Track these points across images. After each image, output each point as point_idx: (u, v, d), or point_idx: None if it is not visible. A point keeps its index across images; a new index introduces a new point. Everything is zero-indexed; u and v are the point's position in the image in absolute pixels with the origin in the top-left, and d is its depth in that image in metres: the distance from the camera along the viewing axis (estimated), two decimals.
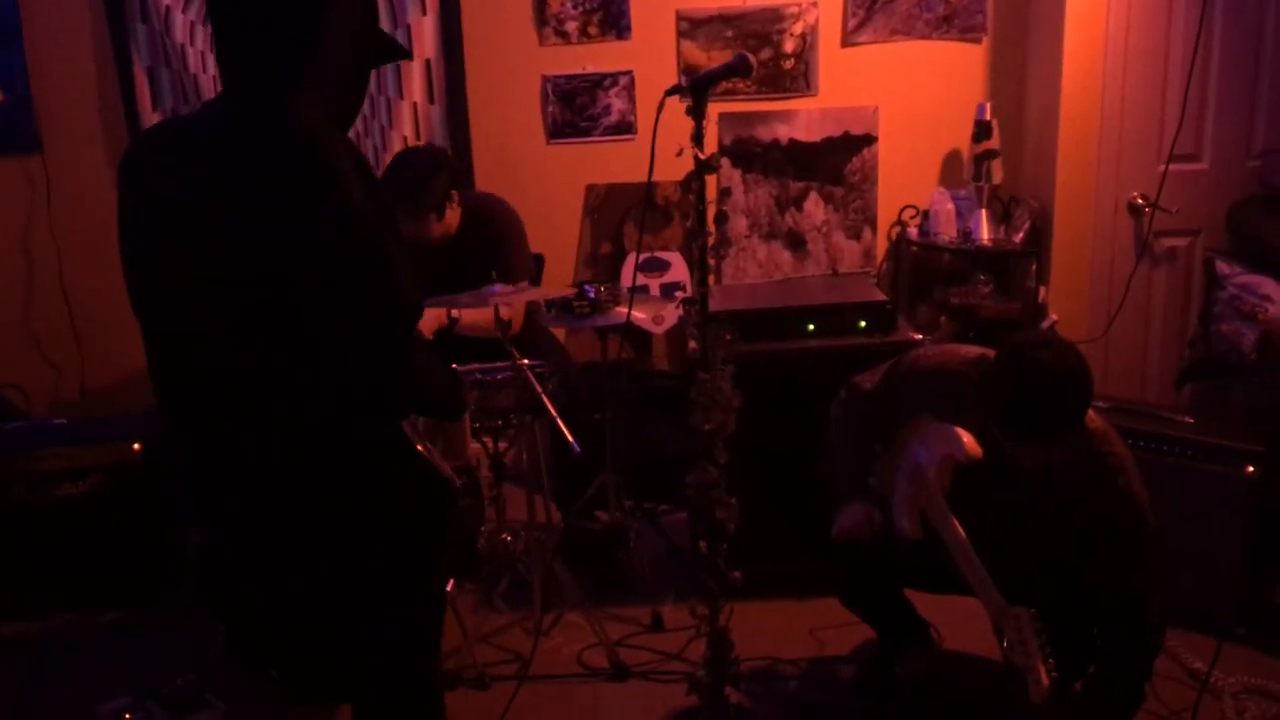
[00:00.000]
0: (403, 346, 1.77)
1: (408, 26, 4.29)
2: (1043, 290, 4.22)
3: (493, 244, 3.60)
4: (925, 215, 4.40)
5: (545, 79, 4.41)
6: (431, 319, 3.42)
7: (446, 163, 3.60)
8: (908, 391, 2.59)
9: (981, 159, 4.23)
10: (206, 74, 4.26)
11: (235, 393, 1.76)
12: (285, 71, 1.73)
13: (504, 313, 3.15)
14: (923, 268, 4.43)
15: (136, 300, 1.83)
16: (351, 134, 4.36)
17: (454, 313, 3.46)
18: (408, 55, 2.13)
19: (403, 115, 4.38)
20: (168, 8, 4.19)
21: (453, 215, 3.59)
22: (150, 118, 4.28)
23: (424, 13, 4.29)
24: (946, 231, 4.27)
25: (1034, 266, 4.20)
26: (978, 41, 4.39)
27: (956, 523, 2.38)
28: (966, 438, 2.35)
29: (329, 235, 1.65)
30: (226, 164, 1.68)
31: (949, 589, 2.55)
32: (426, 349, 1.97)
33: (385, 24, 4.29)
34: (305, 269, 1.66)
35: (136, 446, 3.43)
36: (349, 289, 1.68)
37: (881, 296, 3.50)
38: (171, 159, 1.75)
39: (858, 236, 4.56)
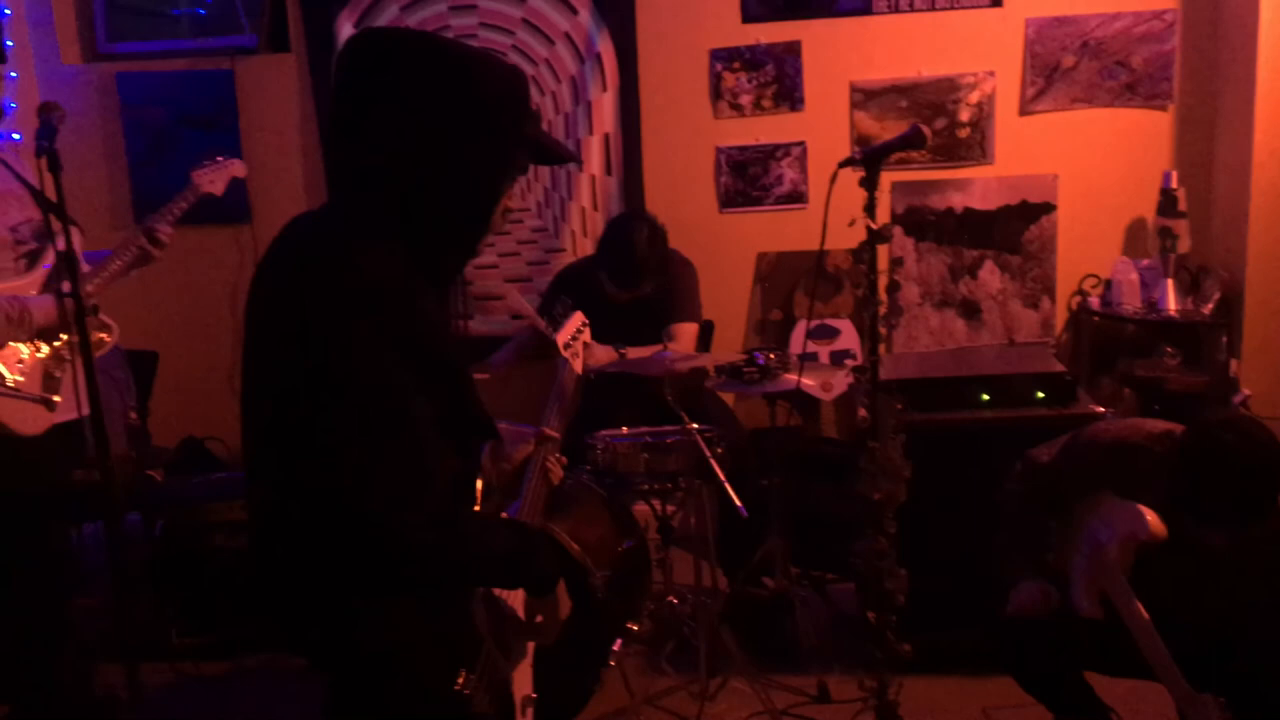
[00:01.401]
0: (362, 517, 1.46)
1: (589, 103, 4.47)
2: (1234, 364, 4.03)
3: (668, 292, 3.79)
4: (1107, 285, 4.28)
5: (719, 150, 4.51)
6: (602, 353, 3.55)
7: (664, 233, 3.82)
8: (1088, 466, 2.52)
9: (1168, 227, 4.09)
10: None
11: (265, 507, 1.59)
12: (393, 196, 1.55)
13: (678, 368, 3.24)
14: (1105, 339, 4.30)
15: None
16: (532, 205, 4.57)
17: (622, 350, 3.58)
18: (575, 160, 2.00)
19: (581, 187, 4.54)
20: None
21: None
22: None
23: (604, 89, 4.47)
24: (1130, 302, 4.15)
25: (1224, 339, 4.02)
26: (1163, 109, 4.28)
27: (1139, 604, 2.29)
28: (1150, 516, 2.27)
29: (314, 384, 1.45)
30: (279, 272, 1.55)
31: (1131, 672, 2.45)
32: (477, 518, 1.71)
33: (567, 102, 4.48)
34: (294, 405, 1.48)
35: None
36: (323, 444, 1.45)
37: (1060, 367, 3.41)
38: (272, 250, 1.61)
39: (1035, 306, 4.46)
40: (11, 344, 2.86)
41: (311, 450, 1.46)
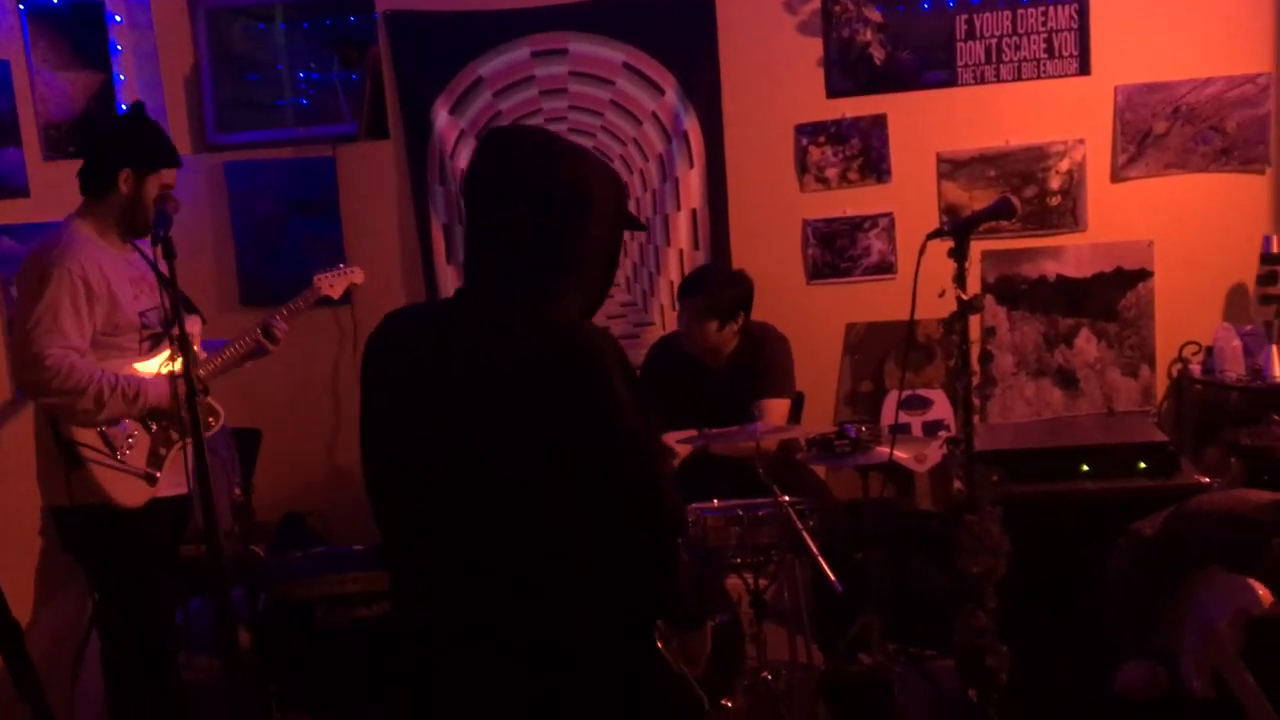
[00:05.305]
0: (664, 553, 1.71)
1: (676, 180, 4.55)
2: None
3: (762, 366, 3.84)
4: (1209, 352, 4.17)
5: (806, 223, 4.54)
6: (680, 443, 3.54)
7: (746, 285, 3.89)
8: (1194, 539, 2.46)
9: (1270, 292, 3.99)
10: None
11: (477, 580, 1.72)
12: (545, 268, 1.75)
13: (765, 443, 3.23)
14: (1208, 407, 4.18)
15: (372, 478, 1.84)
16: (620, 280, 4.64)
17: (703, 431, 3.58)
18: (644, 228, 2.27)
19: (669, 262, 4.60)
20: (463, 171, 4.63)
21: (730, 335, 3.84)
22: (445, 269, 4.70)
23: (691, 166, 4.54)
24: (1233, 369, 4.04)
25: None
26: (1260, 172, 4.21)
27: (1255, 684, 2.21)
28: (1262, 590, 2.20)
29: (594, 436, 1.64)
30: (492, 357, 1.68)
31: None
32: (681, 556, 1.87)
33: (655, 179, 4.57)
34: (566, 467, 1.65)
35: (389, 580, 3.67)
36: (611, 491, 1.66)
37: (1163, 437, 3.34)
38: (421, 346, 1.76)
39: (1134, 374, 4.37)
40: (125, 420, 3.01)
41: (623, 490, 1.66)
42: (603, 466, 1.65)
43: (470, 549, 1.71)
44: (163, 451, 3.09)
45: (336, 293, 3.65)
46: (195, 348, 3.24)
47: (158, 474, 3.07)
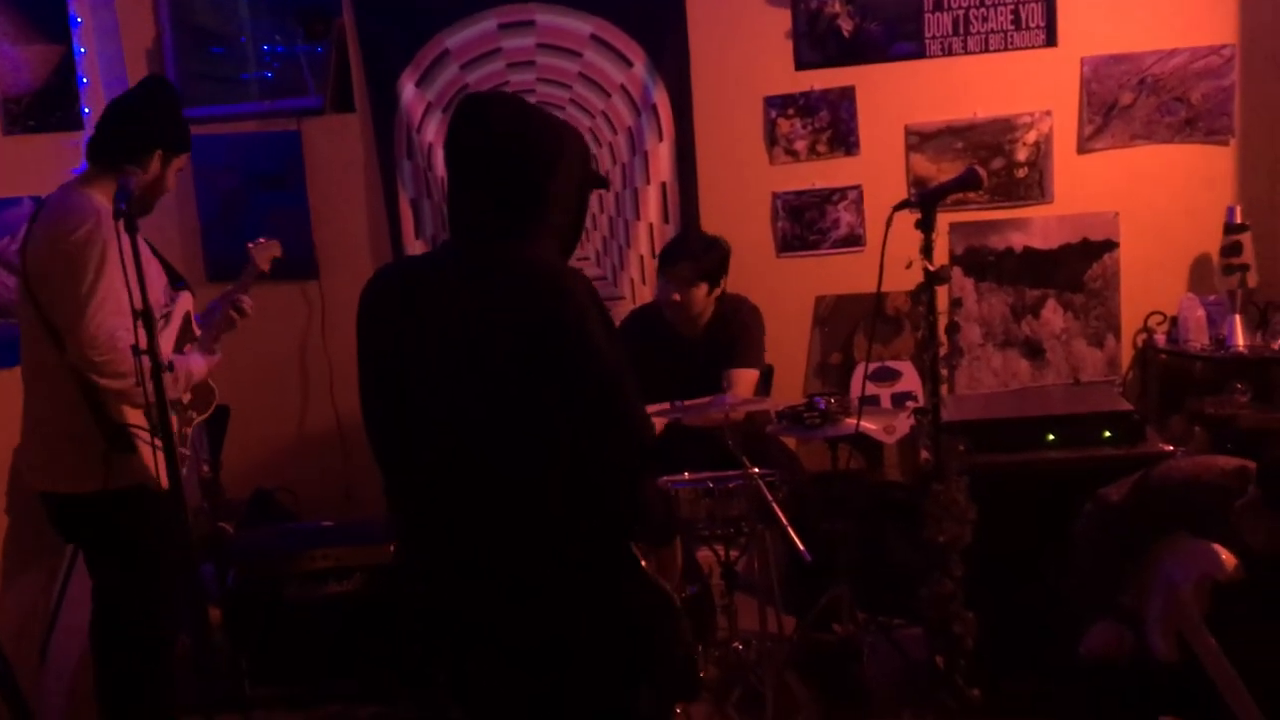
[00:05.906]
0: (636, 477, 1.89)
1: (645, 153, 4.53)
2: None
3: (734, 337, 3.86)
4: (1173, 322, 4.22)
5: (775, 195, 4.54)
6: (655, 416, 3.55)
7: (725, 247, 3.93)
8: (1160, 505, 2.49)
9: (1233, 263, 4.04)
10: None
11: (471, 504, 1.88)
12: (523, 220, 1.92)
13: (735, 414, 3.25)
14: (1173, 377, 4.23)
15: (372, 420, 2.02)
16: (590, 253, 4.62)
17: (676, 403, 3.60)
18: (606, 185, 2.38)
19: (639, 235, 4.60)
20: (430, 144, 4.60)
21: (713, 300, 3.87)
22: (413, 244, 4.66)
23: (660, 139, 4.52)
24: (1197, 338, 4.08)
25: None
26: (1224, 143, 4.24)
27: (1218, 647, 2.25)
28: (1225, 555, 2.23)
29: (571, 368, 1.80)
30: (475, 299, 1.85)
31: (1211, 718, 2.39)
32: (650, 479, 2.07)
33: (624, 152, 4.55)
34: (546, 396, 1.80)
35: (393, 548, 3.67)
36: (587, 418, 1.82)
37: (1128, 406, 3.37)
38: (408, 295, 1.94)
39: (1100, 344, 4.41)
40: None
41: (606, 422, 1.82)
42: (577, 400, 1.80)
43: (468, 546, 1.88)
44: (186, 431, 3.11)
45: (265, 267, 3.59)
46: (192, 324, 3.28)
47: (186, 452, 3.06)
